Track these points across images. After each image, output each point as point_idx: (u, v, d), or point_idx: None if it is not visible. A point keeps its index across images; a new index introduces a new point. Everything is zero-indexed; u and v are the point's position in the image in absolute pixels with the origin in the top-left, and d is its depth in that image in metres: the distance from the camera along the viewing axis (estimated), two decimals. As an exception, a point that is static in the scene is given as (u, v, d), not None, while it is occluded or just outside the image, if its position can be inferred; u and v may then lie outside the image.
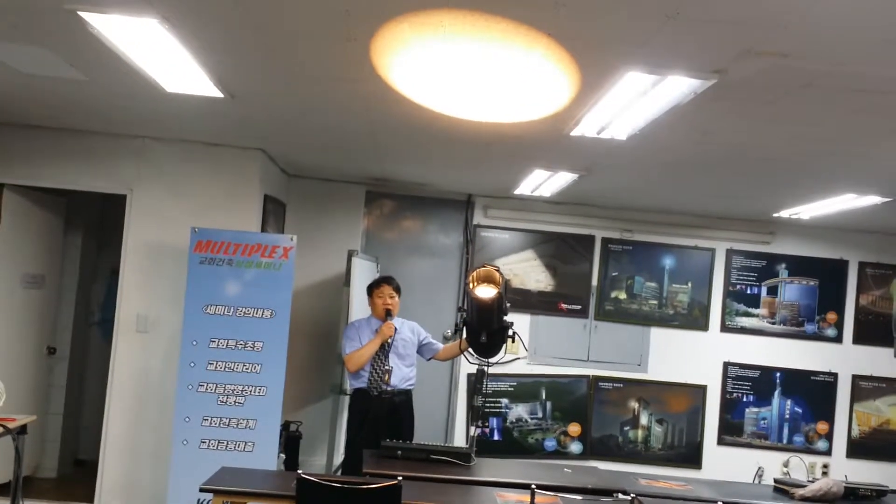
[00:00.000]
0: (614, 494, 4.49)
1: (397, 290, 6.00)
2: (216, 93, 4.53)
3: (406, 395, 5.91)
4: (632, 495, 4.07)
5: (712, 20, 2.92)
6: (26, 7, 3.46)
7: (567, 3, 2.89)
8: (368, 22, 3.26)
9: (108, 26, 3.51)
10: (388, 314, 5.88)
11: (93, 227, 7.76)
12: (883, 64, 3.22)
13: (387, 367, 5.77)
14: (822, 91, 3.63)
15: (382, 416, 5.75)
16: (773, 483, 5.42)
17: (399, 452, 5.00)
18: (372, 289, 6.06)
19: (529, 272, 7.80)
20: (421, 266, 7.88)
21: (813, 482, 5.12)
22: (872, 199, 6.05)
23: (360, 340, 5.84)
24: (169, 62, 4.02)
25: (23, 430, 5.16)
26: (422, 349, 6.05)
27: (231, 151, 6.39)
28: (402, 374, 5.86)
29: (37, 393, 6.99)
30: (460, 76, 3.87)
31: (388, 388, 5.77)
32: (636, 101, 3.96)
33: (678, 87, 3.66)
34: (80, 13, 3.37)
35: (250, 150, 6.42)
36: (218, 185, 6.39)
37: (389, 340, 5.81)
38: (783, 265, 7.92)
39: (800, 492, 4.99)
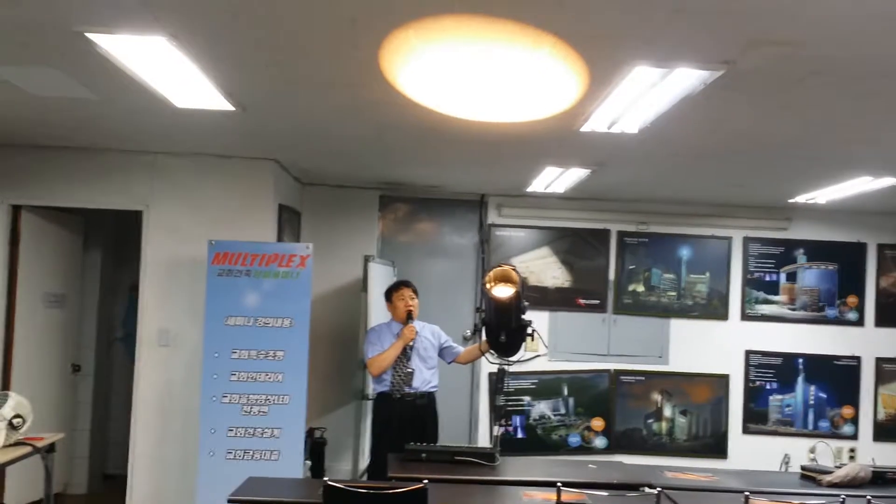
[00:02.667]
0: (640, 489, 4.48)
1: (416, 292, 6.01)
2: (227, 106, 4.56)
3: (429, 397, 5.91)
4: (658, 489, 4.06)
5: (719, 11, 2.92)
6: (35, 31, 3.49)
7: (570, 2, 2.89)
8: (375, 29, 3.27)
9: (117, 46, 3.55)
10: (410, 316, 5.89)
11: (111, 243, 7.82)
12: (892, 47, 3.20)
13: (409, 370, 5.78)
14: (833, 77, 3.62)
15: (406, 419, 5.76)
16: (800, 470, 5.40)
17: (423, 455, 5.01)
18: (391, 293, 6.07)
19: (546, 269, 7.80)
20: (437, 268, 7.89)
21: (840, 468, 5.09)
22: (889, 181, 6.01)
23: (381, 345, 5.85)
24: (178, 78, 4.05)
25: (51, 448, 5.20)
26: (443, 352, 6.05)
27: (244, 163, 6.42)
28: (423, 376, 5.87)
29: (63, 410, 7.05)
30: (468, 78, 3.87)
31: (411, 391, 5.79)
32: (646, 95, 3.96)
33: (687, 79, 3.66)
34: (87, 35, 3.40)
35: (263, 160, 6.45)
36: (232, 197, 6.42)
37: (411, 343, 5.83)
38: (801, 251, 7.88)
39: (827, 478, 4.96)
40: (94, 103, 4.75)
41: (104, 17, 3.26)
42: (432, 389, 5.93)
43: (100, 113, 5.07)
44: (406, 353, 5.83)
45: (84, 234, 7.34)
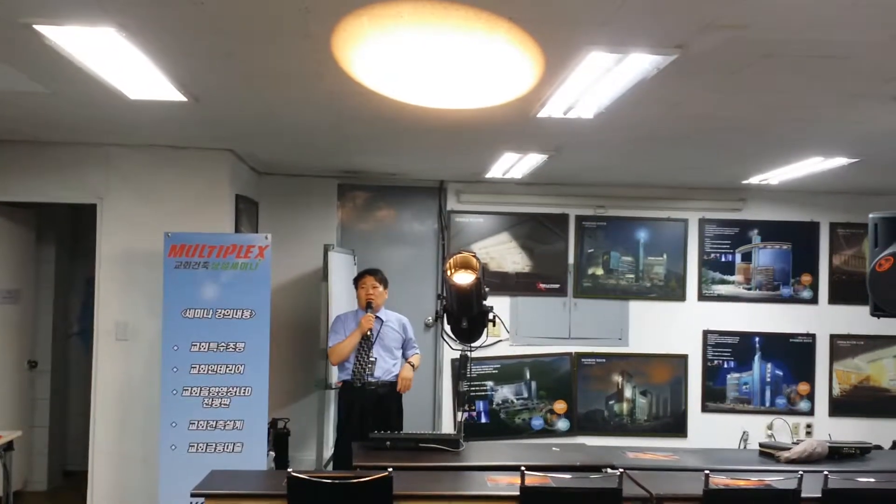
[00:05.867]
0: (603, 470, 4.53)
1: (381, 281, 6.00)
2: (179, 97, 4.50)
3: (392, 386, 5.91)
4: (620, 470, 4.11)
5: (669, -4, 2.94)
6: (-20, 23, 3.42)
7: (524, -12, 2.90)
8: (328, 17, 3.25)
9: (66, 38, 3.49)
10: (369, 306, 5.88)
11: (65, 237, 7.70)
12: (841, 29, 3.26)
13: (370, 359, 5.77)
14: (784, 59, 3.67)
15: (369, 408, 5.77)
16: (758, 447, 5.49)
17: (388, 443, 5.02)
18: (357, 281, 6.08)
19: (506, 255, 7.83)
20: (398, 255, 7.88)
21: (797, 444, 5.19)
22: (839, 161, 6.11)
23: (344, 333, 5.86)
24: (130, 70, 3.99)
25: (9, 446, 5.15)
26: (403, 345, 6.06)
27: (199, 153, 6.35)
28: (385, 366, 5.87)
29: (21, 407, 6.96)
30: (423, 65, 3.87)
31: (373, 380, 5.79)
32: (601, 80, 3.98)
33: (641, 63, 3.68)
34: (35, 27, 3.34)
35: (219, 150, 6.39)
36: (188, 189, 6.35)
37: (369, 332, 5.82)
38: (755, 231, 7.98)
39: (785, 454, 5.06)
40: (44, 96, 4.67)
41: (51, 9, 3.21)
42: (395, 379, 5.93)
43: (51, 106, 4.98)
44: (369, 342, 5.83)
45: (37, 229, 7.22)
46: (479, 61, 3.76)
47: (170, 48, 3.72)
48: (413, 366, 6.01)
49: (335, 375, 6.28)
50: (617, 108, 4.50)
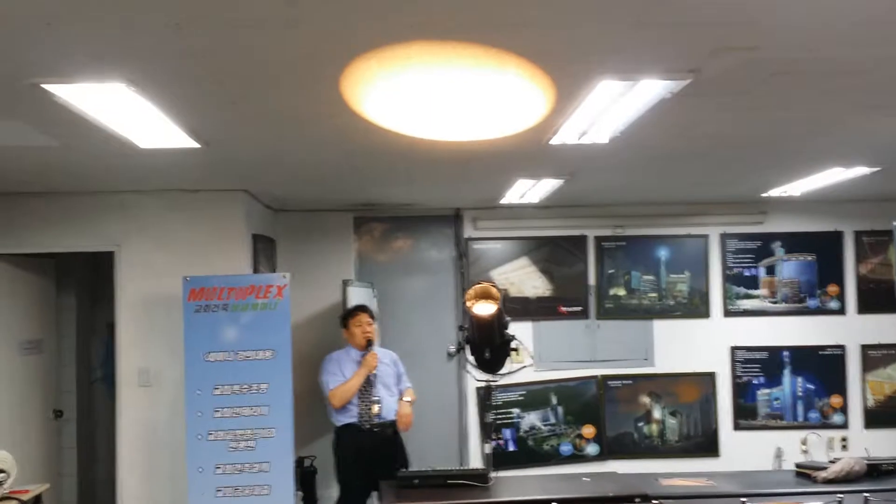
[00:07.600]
0: (636, 500, 4.45)
1: (373, 317, 5.93)
2: (191, 143, 4.49)
3: (395, 425, 5.81)
4: (654, 502, 4.03)
5: (679, 23, 2.89)
6: (-11, 84, 3.41)
7: (532, 23, 2.86)
8: (337, 62, 3.22)
9: (75, 94, 3.49)
10: (370, 344, 5.80)
11: (84, 284, 7.70)
12: (853, 46, 3.19)
13: (375, 398, 5.69)
14: (797, 77, 3.61)
15: (376, 450, 5.64)
16: (794, 467, 5.38)
17: (416, 481, 4.95)
18: (347, 319, 5.99)
19: (525, 279, 7.76)
20: (417, 285, 7.83)
21: (834, 462, 5.08)
22: (860, 171, 6.02)
23: (342, 374, 5.75)
24: (140, 121, 3.99)
25: (38, 500, 5.12)
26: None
27: (214, 196, 6.34)
28: (388, 404, 5.77)
29: (48, 458, 6.94)
30: (434, 100, 3.83)
31: (379, 421, 5.69)
32: (614, 106, 3.94)
33: (654, 89, 3.64)
34: (43, 86, 3.33)
35: (233, 191, 6.38)
36: (205, 231, 6.34)
37: (374, 371, 5.73)
38: (778, 243, 7.87)
39: (822, 474, 4.95)
40: (55, 149, 4.67)
41: (59, 68, 3.20)
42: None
43: (63, 158, 4.99)
44: (370, 382, 5.74)
45: (56, 277, 7.22)
46: (490, 95, 3.72)
47: (180, 99, 3.71)
48: (409, 401, 5.91)
49: (335, 416, 6.11)
50: (632, 132, 4.45)
